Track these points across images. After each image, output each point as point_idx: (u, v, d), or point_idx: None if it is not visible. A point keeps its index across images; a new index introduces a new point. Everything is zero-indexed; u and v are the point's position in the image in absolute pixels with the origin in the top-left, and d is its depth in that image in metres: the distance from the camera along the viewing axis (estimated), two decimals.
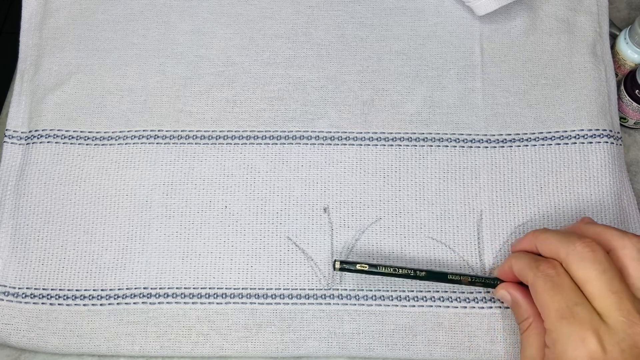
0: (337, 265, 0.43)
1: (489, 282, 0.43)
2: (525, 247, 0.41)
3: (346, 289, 0.46)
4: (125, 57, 0.53)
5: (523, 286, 0.40)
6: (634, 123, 0.52)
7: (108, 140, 0.50)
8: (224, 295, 0.46)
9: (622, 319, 0.32)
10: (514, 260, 0.40)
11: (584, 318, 0.32)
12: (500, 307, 0.45)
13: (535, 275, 0.36)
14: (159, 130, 0.50)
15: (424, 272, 0.43)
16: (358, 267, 0.43)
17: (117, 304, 0.45)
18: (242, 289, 0.46)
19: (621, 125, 0.52)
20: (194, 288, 0.46)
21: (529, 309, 0.38)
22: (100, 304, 0.45)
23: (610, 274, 0.33)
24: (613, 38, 0.55)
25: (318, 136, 0.50)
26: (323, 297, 0.45)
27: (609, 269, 0.34)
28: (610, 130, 0.50)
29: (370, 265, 0.43)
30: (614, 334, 0.32)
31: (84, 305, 0.45)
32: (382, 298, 0.46)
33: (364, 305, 0.45)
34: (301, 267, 0.46)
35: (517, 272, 0.39)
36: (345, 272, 0.45)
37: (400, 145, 0.50)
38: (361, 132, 0.50)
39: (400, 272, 0.43)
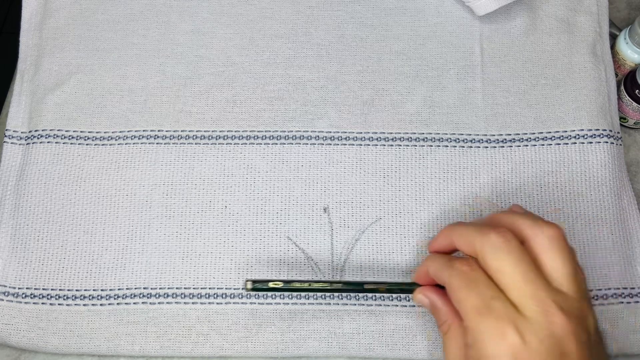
0: (249, 285, 0.41)
1: (406, 287, 0.41)
2: (441, 243, 0.39)
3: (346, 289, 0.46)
4: (125, 57, 0.53)
5: (441, 288, 0.39)
6: (634, 123, 0.52)
7: (108, 140, 0.50)
8: (224, 295, 0.46)
9: (538, 308, 0.32)
10: (429, 262, 0.39)
11: (500, 312, 0.32)
12: None
13: (450, 274, 0.35)
14: (159, 130, 0.50)
15: (340, 284, 0.42)
16: (271, 284, 0.41)
17: (117, 304, 0.45)
18: (242, 288, 0.46)
19: (621, 125, 0.52)
20: (194, 288, 0.46)
21: (448, 311, 0.37)
22: (100, 304, 0.45)
23: (524, 264, 0.33)
24: (613, 38, 0.55)
25: (318, 136, 0.50)
26: (323, 297, 0.45)
27: (523, 259, 0.33)
28: (610, 130, 0.50)
29: (284, 282, 0.41)
30: (531, 324, 0.32)
31: (84, 305, 0.45)
32: (382, 298, 0.46)
33: (364, 305, 0.45)
34: (301, 267, 0.46)
35: (433, 274, 0.38)
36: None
37: (400, 145, 0.50)
38: (361, 132, 0.50)
39: (316, 286, 0.41)
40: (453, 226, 0.38)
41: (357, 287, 0.42)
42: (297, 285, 0.41)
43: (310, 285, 0.41)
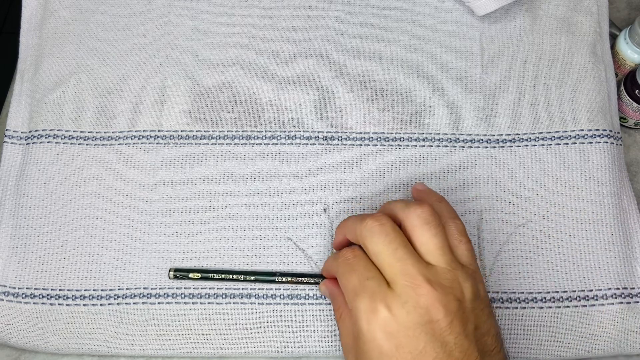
0: (171, 274, 0.45)
1: (314, 280, 0.44)
2: (339, 239, 0.42)
3: None
4: (125, 57, 0.53)
5: None
6: (634, 123, 0.52)
7: (108, 140, 0.50)
8: (224, 296, 0.46)
9: (406, 283, 0.34)
10: (330, 258, 0.41)
11: (373, 290, 0.34)
12: (500, 307, 0.45)
13: (337, 264, 0.38)
14: (159, 130, 0.50)
15: (252, 277, 0.45)
16: (191, 275, 0.45)
17: (117, 304, 0.45)
18: (242, 289, 0.46)
19: (621, 125, 0.52)
20: (194, 288, 0.46)
21: (342, 300, 0.39)
22: (100, 304, 0.45)
23: (396, 243, 0.36)
24: (613, 38, 0.55)
25: (318, 136, 0.50)
26: (323, 297, 0.45)
27: (395, 239, 0.36)
28: (610, 130, 0.50)
29: (202, 272, 0.45)
30: (400, 298, 0.34)
31: (84, 305, 0.45)
32: None
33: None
34: (301, 267, 0.46)
35: (328, 269, 0.41)
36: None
37: (400, 146, 0.50)
38: (361, 132, 0.50)
39: (231, 277, 0.45)
40: (343, 221, 0.41)
41: (268, 279, 0.45)
42: (214, 276, 0.45)
43: (226, 276, 0.45)
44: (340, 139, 0.50)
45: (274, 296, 0.46)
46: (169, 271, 0.46)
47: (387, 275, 0.35)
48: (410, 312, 0.34)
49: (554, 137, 0.50)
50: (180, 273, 0.45)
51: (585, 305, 0.45)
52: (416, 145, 0.50)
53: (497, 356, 0.36)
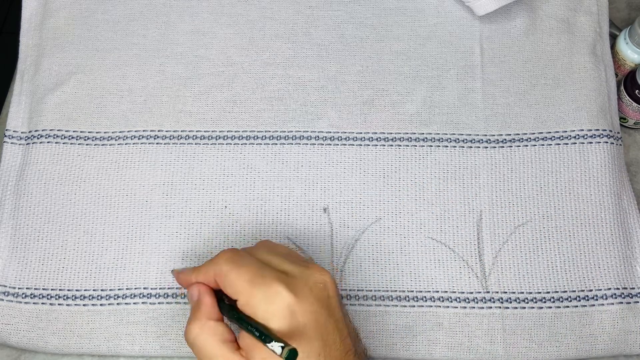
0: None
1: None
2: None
3: (346, 289, 0.46)
4: (125, 57, 0.53)
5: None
6: (634, 123, 0.52)
7: (108, 140, 0.50)
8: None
9: (299, 267, 0.37)
10: (195, 275, 0.39)
11: (272, 277, 0.35)
12: (500, 308, 0.45)
13: (215, 264, 0.37)
14: (159, 131, 0.50)
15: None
16: None
17: (117, 304, 0.45)
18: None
19: (621, 125, 0.52)
20: None
21: (208, 307, 0.37)
22: (100, 304, 0.45)
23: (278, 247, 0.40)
24: (613, 38, 0.55)
25: (318, 136, 0.50)
26: None
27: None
28: (610, 131, 0.50)
29: None
30: (299, 279, 0.36)
31: (84, 305, 0.45)
32: (382, 298, 0.46)
33: (363, 305, 0.45)
34: None
35: (206, 279, 0.38)
36: (343, 272, 0.45)
37: (400, 146, 0.50)
38: (361, 132, 0.50)
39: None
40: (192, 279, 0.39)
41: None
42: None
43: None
44: (340, 139, 0.50)
45: None
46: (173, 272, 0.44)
47: (280, 269, 0.37)
48: (312, 289, 0.35)
49: (554, 137, 0.50)
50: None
51: (585, 305, 0.45)
52: (416, 145, 0.50)
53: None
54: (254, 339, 0.34)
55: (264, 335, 0.33)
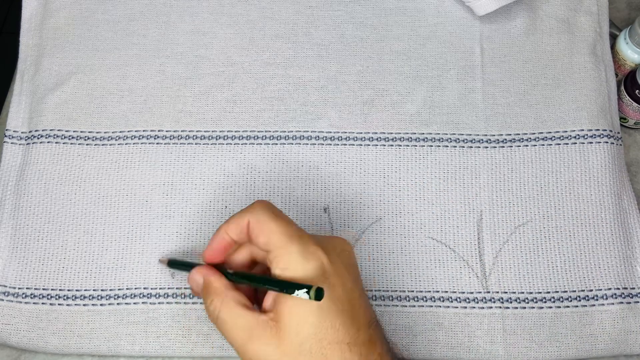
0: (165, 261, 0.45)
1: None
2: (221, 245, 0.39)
3: None
4: (125, 57, 0.53)
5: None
6: (634, 123, 0.52)
7: (108, 140, 0.50)
8: None
9: (327, 236, 0.38)
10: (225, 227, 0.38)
11: (309, 236, 0.36)
12: (500, 308, 0.45)
13: (251, 212, 0.36)
14: (159, 131, 0.50)
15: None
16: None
17: (117, 304, 0.45)
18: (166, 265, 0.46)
19: (621, 125, 0.52)
20: None
21: (220, 285, 0.36)
22: (100, 304, 0.45)
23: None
24: (613, 38, 0.55)
25: (318, 136, 0.50)
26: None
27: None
28: (611, 131, 0.50)
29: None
30: (328, 245, 0.36)
31: (84, 305, 0.45)
32: (382, 298, 0.46)
33: None
34: None
35: (237, 225, 0.37)
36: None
37: (400, 146, 0.50)
38: (361, 132, 0.50)
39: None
40: (221, 229, 0.38)
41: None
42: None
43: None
44: (340, 139, 0.50)
45: None
46: (166, 264, 0.45)
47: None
48: (340, 255, 0.36)
49: (554, 137, 0.50)
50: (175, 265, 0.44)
51: (586, 305, 0.45)
52: (416, 145, 0.50)
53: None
54: (276, 295, 0.34)
55: (286, 286, 0.33)
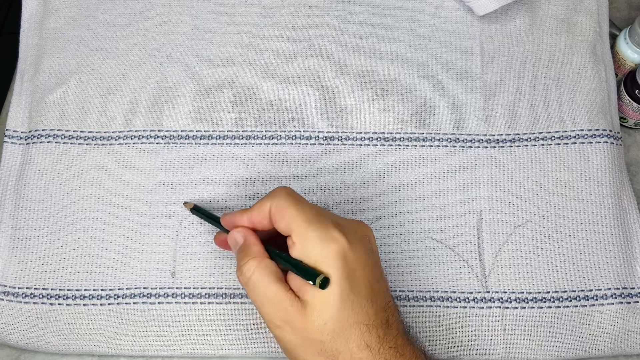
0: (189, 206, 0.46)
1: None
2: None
3: None
4: (125, 57, 0.53)
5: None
6: (634, 123, 0.52)
7: (108, 140, 0.50)
8: (224, 295, 0.46)
9: (347, 219, 0.38)
10: (249, 214, 0.39)
11: (329, 221, 0.36)
12: (500, 308, 0.45)
13: (273, 198, 0.37)
14: (159, 130, 0.50)
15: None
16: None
17: (117, 304, 0.45)
18: (242, 289, 0.46)
19: (621, 125, 0.52)
20: (194, 288, 0.46)
21: (258, 248, 0.38)
22: (100, 304, 0.45)
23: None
24: (613, 38, 0.55)
25: (318, 136, 0.50)
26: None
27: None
28: (610, 130, 0.50)
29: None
30: (348, 229, 0.37)
31: (84, 305, 0.45)
32: None
33: None
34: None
35: (259, 213, 0.38)
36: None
37: (400, 145, 0.50)
38: (361, 132, 0.50)
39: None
40: (244, 216, 0.39)
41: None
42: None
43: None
44: (340, 139, 0.50)
45: None
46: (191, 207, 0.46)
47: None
48: (361, 240, 0.37)
49: (554, 137, 0.50)
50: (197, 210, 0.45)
51: (585, 305, 0.45)
52: (416, 145, 0.50)
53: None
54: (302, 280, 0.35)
55: (304, 272, 0.35)
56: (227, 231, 0.40)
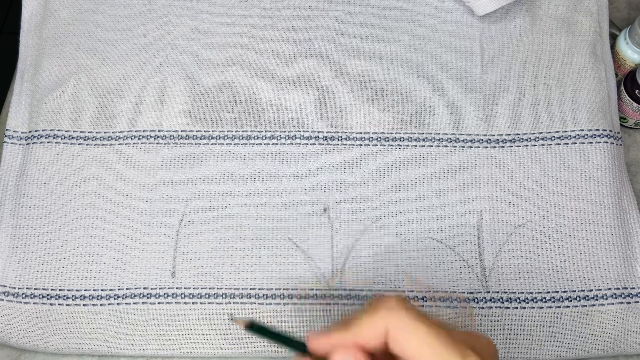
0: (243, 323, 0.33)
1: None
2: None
3: (346, 289, 0.46)
4: (125, 57, 0.53)
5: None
6: (634, 123, 0.52)
7: (108, 140, 0.50)
8: (224, 295, 0.46)
9: (472, 336, 0.32)
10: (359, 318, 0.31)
11: (461, 342, 0.30)
12: (500, 308, 0.45)
13: (389, 312, 0.30)
14: (159, 130, 0.50)
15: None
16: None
17: (117, 304, 0.45)
18: (242, 289, 0.46)
19: (621, 125, 0.52)
20: (194, 288, 0.46)
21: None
22: (100, 304, 0.45)
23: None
24: (613, 38, 0.55)
25: (318, 136, 0.50)
26: (323, 297, 0.45)
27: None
28: (610, 130, 0.50)
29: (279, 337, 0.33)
30: (485, 353, 0.31)
31: (84, 305, 0.45)
32: None
33: (364, 305, 0.45)
34: (301, 268, 0.46)
35: (370, 330, 0.31)
36: (343, 272, 0.44)
37: (400, 145, 0.50)
38: (361, 132, 0.50)
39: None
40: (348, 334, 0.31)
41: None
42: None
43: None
44: (340, 139, 0.50)
45: (274, 296, 0.46)
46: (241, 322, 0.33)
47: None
48: (494, 357, 0.32)
49: (554, 137, 0.50)
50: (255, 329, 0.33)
51: (585, 305, 0.45)
52: (416, 145, 0.50)
53: None
54: None
55: None
56: (306, 353, 0.32)
